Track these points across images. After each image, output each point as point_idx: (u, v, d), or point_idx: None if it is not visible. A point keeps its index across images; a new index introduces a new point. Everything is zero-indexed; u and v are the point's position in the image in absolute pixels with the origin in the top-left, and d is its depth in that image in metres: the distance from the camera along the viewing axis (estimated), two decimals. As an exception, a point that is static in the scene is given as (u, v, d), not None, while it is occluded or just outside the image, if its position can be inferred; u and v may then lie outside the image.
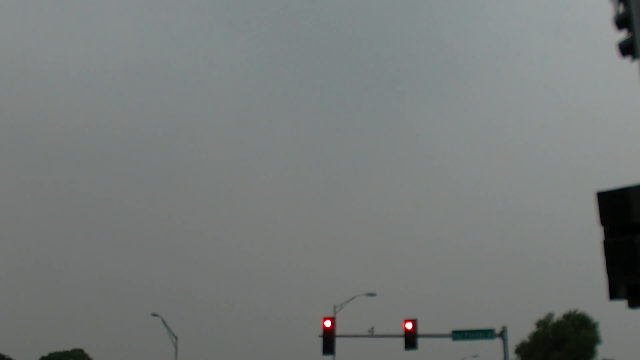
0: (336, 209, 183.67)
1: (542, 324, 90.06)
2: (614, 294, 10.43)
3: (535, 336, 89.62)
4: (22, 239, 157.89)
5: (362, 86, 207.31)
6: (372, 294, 62.67)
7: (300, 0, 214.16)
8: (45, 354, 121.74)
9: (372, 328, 52.70)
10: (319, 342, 50.27)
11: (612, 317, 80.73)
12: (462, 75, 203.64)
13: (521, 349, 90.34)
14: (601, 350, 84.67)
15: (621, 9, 11.53)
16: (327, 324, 50.23)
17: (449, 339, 51.18)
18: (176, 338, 67.01)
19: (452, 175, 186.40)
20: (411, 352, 50.46)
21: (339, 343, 50.90)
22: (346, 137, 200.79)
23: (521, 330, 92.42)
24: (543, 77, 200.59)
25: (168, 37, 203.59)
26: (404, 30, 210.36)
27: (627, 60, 11.49)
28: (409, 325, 49.32)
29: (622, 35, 11.58)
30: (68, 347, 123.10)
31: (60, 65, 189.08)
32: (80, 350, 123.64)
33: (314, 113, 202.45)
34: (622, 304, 10.45)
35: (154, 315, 66.80)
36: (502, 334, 49.48)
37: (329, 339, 49.82)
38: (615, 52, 11.61)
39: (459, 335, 50.45)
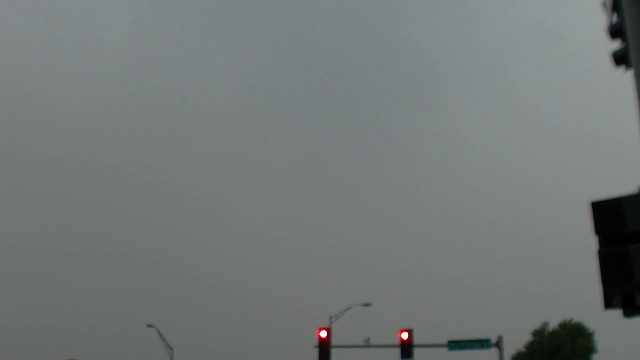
0: (329, 218, 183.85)
1: (538, 333, 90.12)
2: (609, 303, 10.44)
3: (531, 345, 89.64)
4: (18, 248, 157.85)
5: (354, 96, 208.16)
6: (367, 304, 62.66)
7: (290, 14, 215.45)
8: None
9: (368, 338, 52.77)
10: (314, 353, 50.29)
11: (607, 327, 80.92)
12: (453, 85, 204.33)
13: (517, 359, 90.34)
14: (597, 359, 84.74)
15: (615, 18, 11.59)
16: (323, 334, 50.20)
17: (445, 349, 51.21)
18: (172, 349, 66.87)
19: (445, 188, 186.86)
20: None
21: (334, 353, 50.91)
22: (343, 149, 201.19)
23: (517, 340, 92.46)
24: (534, 86, 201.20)
25: (160, 44, 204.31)
26: (392, 40, 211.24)
27: (620, 69, 11.54)
28: (404, 335, 49.33)
29: (616, 44, 11.65)
30: (63, 357, 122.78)
31: (50, 66, 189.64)
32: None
33: (309, 124, 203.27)
34: (617, 313, 10.46)
35: (150, 326, 66.70)
36: (498, 344, 49.54)
37: (324, 350, 49.78)
38: (609, 62, 11.67)
39: (455, 345, 50.52)
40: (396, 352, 49.91)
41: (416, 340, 49.80)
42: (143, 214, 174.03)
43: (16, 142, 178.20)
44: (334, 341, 50.95)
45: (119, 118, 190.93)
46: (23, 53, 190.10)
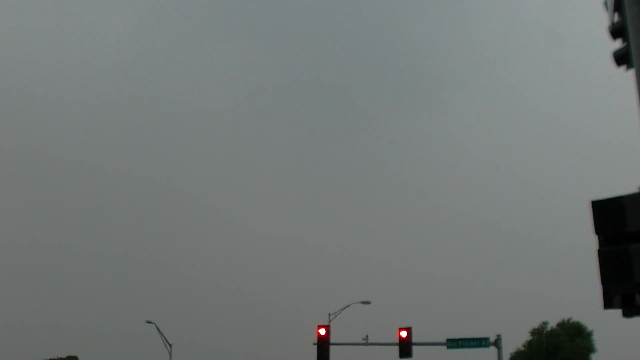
0: (328, 217, 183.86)
1: (537, 333, 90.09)
2: (608, 303, 10.43)
3: (529, 345, 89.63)
4: (17, 246, 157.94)
5: (352, 98, 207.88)
6: (366, 302, 62.58)
7: (287, 16, 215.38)
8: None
9: (367, 336, 52.68)
10: (314, 350, 50.22)
11: (606, 326, 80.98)
12: (451, 85, 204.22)
13: (516, 358, 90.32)
14: (596, 359, 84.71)
15: (616, 18, 11.58)
16: (322, 332, 50.14)
17: (444, 348, 51.09)
18: (170, 345, 66.83)
19: (444, 189, 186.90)
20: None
21: (333, 351, 50.87)
22: (342, 151, 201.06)
23: (516, 339, 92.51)
24: (533, 86, 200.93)
25: (160, 46, 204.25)
26: (389, 39, 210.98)
27: (622, 69, 11.53)
28: (403, 334, 49.24)
29: (617, 44, 11.64)
30: (62, 354, 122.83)
31: (51, 66, 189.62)
32: (75, 357, 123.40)
33: (307, 126, 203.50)
34: (617, 312, 10.45)
35: (148, 322, 66.58)
36: (497, 343, 49.47)
37: (323, 347, 49.74)
38: (610, 61, 11.66)
39: (454, 343, 50.39)
40: (395, 350, 49.85)
41: (415, 338, 49.75)
42: (143, 214, 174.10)
43: (17, 142, 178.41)
44: (333, 339, 50.93)
45: (120, 118, 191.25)
46: (23, 53, 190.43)
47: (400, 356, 49.32)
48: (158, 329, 66.23)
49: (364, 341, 52.76)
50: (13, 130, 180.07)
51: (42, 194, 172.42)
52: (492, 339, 49.71)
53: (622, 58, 11.43)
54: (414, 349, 49.65)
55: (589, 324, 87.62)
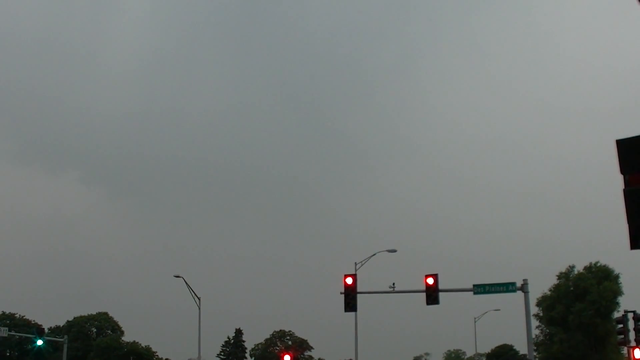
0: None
1: (564, 277, 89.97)
2: (635, 243, 10.36)
3: (556, 288, 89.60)
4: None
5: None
6: (392, 251, 62.75)
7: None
8: (71, 318, 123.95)
9: (393, 284, 52.66)
10: (341, 299, 50.25)
11: (634, 269, 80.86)
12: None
13: (543, 302, 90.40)
14: (623, 301, 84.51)
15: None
16: (349, 280, 50.17)
17: (471, 294, 50.91)
18: (199, 298, 67.45)
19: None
20: (433, 308, 50.29)
21: (360, 299, 51.01)
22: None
23: (543, 284, 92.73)
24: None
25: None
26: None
27: None
28: (430, 281, 49.10)
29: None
30: (93, 311, 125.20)
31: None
32: (105, 314, 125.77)
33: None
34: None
35: (177, 276, 66.71)
36: (523, 287, 49.22)
37: (350, 296, 49.87)
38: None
39: (480, 289, 50.13)
40: (422, 298, 49.73)
41: (442, 285, 49.58)
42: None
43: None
44: (360, 287, 50.98)
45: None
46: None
47: (427, 303, 49.29)
48: (186, 283, 66.70)
49: (391, 289, 52.75)
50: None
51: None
52: (519, 283, 49.43)
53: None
54: (441, 295, 49.64)
55: (616, 267, 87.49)
